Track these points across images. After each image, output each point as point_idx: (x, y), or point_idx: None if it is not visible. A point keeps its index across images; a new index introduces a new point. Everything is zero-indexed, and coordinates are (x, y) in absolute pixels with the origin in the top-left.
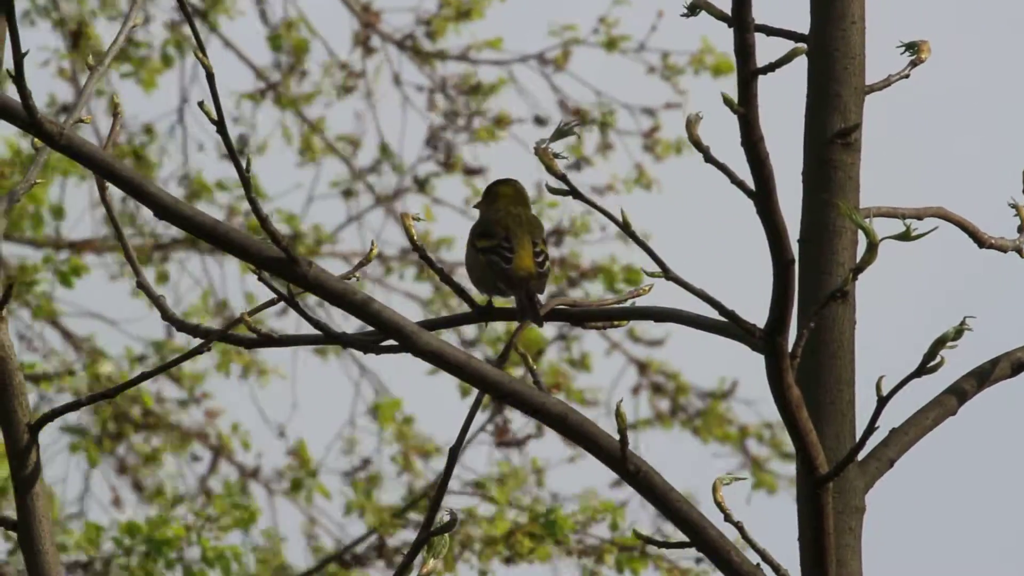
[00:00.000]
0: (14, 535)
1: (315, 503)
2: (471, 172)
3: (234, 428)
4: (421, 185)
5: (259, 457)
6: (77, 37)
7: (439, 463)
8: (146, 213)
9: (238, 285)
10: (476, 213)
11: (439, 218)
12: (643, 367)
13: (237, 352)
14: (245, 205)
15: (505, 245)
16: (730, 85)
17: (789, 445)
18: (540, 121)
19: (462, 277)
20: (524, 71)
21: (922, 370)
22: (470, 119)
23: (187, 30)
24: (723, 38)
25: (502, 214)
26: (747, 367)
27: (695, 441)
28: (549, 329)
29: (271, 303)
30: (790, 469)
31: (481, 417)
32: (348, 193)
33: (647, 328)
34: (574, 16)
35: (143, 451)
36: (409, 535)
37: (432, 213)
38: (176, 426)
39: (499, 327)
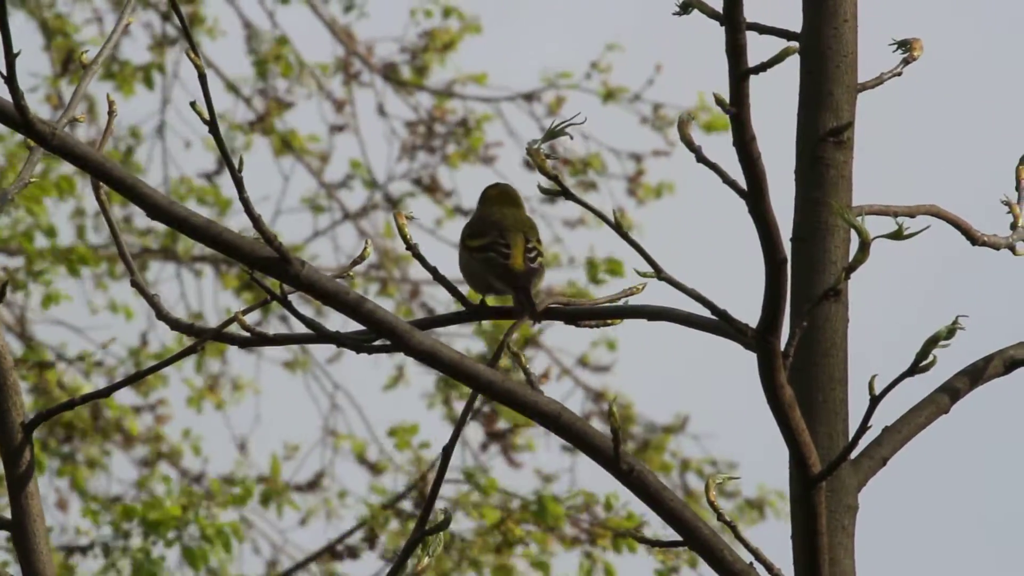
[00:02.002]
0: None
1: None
2: (445, 195)
3: (185, 434)
4: (394, 204)
5: (205, 462)
6: (67, 62)
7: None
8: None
9: (210, 298)
10: (445, 234)
11: (410, 236)
12: (597, 395)
13: (209, 389)
14: (223, 223)
15: (501, 242)
16: (722, 142)
17: (733, 484)
18: (529, 165)
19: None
20: (513, 111)
21: (915, 369)
22: (445, 141)
23: (170, 46)
24: (715, 38)
25: (496, 216)
26: (696, 397)
27: None
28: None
29: (264, 302)
30: (726, 505)
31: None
32: (317, 208)
33: (599, 355)
34: (564, 54)
35: (89, 454)
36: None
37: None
38: (124, 431)
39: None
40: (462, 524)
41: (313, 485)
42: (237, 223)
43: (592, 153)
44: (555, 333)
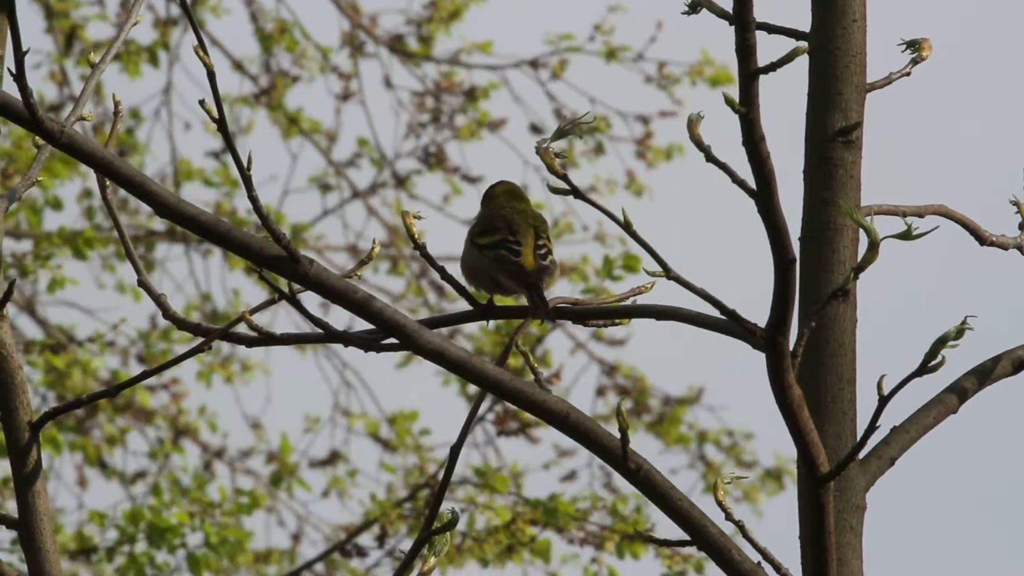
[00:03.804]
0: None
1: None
2: (453, 170)
3: (201, 411)
4: (401, 181)
5: (225, 438)
6: (71, 40)
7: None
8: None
9: (218, 278)
10: (453, 210)
11: (417, 235)
12: (611, 369)
13: (220, 365)
14: (232, 203)
15: (511, 239)
16: (728, 93)
17: (750, 453)
18: (536, 129)
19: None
20: (518, 77)
21: (923, 369)
22: (452, 117)
23: (175, 25)
24: (724, 38)
25: (506, 210)
26: (709, 369)
27: (658, 444)
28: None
29: (272, 301)
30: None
31: (483, 405)
32: (326, 187)
33: (611, 329)
34: (568, 20)
35: (108, 431)
36: (408, 526)
37: (411, 208)
38: (142, 408)
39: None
40: (475, 523)
41: (329, 462)
42: (244, 204)
43: (599, 117)
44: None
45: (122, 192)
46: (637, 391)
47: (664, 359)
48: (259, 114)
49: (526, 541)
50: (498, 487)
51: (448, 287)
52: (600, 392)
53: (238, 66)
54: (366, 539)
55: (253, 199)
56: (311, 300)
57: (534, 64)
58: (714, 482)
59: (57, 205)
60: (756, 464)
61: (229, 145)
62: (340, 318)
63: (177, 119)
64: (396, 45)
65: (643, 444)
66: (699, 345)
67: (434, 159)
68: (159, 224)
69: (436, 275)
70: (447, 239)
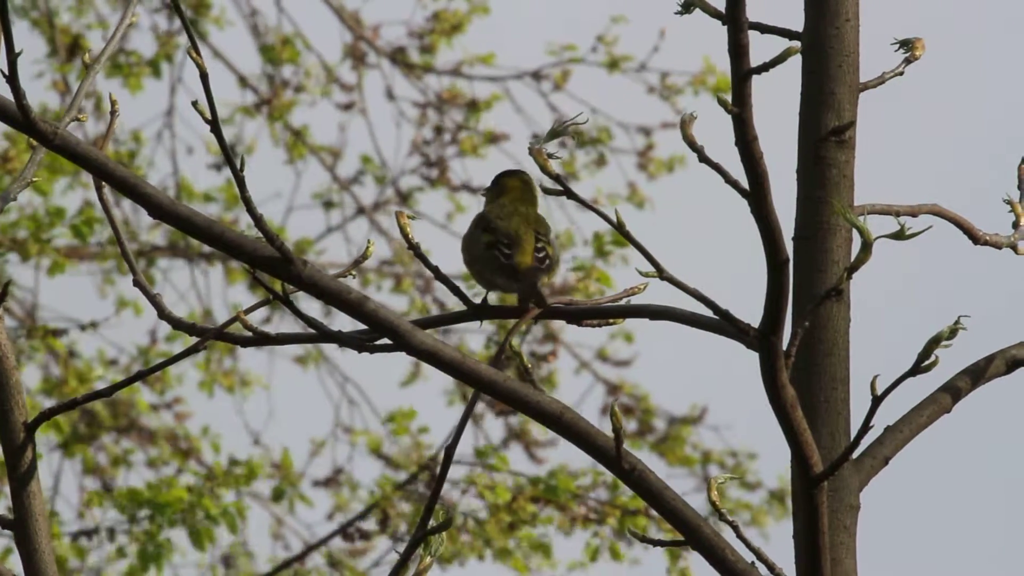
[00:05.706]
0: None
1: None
2: (456, 188)
3: (204, 431)
4: (404, 198)
5: (229, 458)
6: (72, 50)
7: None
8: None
9: (218, 293)
10: (456, 228)
11: (419, 232)
12: (614, 388)
13: (223, 373)
14: (231, 215)
15: (504, 242)
16: (722, 95)
17: (753, 473)
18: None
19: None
20: (520, 88)
21: (916, 369)
22: (456, 132)
23: (177, 38)
24: (722, 45)
25: (508, 210)
26: (713, 390)
27: (662, 463)
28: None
29: (266, 302)
30: (750, 497)
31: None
32: (329, 204)
33: (617, 348)
34: (570, 31)
35: (112, 452)
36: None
37: (413, 225)
38: (146, 428)
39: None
40: (475, 504)
41: (331, 481)
42: (245, 219)
43: (601, 128)
44: (573, 327)
45: (130, 205)
46: (641, 411)
47: (667, 376)
48: (263, 130)
49: (527, 520)
50: (497, 466)
51: (449, 299)
52: (605, 411)
53: (243, 82)
54: (368, 524)
55: (246, 200)
56: (312, 308)
57: (536, 75)
58: (708, 483)
59: (60, 214)
60: (760, 485)
61: (222, 145)
62: (339, 326)
63: (180, 142)
64: (398, 57)
65: (650, 464)
66: (701, 361)
67: (437, 175)
68: (160, 239)
69: (439, 293)
70: (450, 255)
